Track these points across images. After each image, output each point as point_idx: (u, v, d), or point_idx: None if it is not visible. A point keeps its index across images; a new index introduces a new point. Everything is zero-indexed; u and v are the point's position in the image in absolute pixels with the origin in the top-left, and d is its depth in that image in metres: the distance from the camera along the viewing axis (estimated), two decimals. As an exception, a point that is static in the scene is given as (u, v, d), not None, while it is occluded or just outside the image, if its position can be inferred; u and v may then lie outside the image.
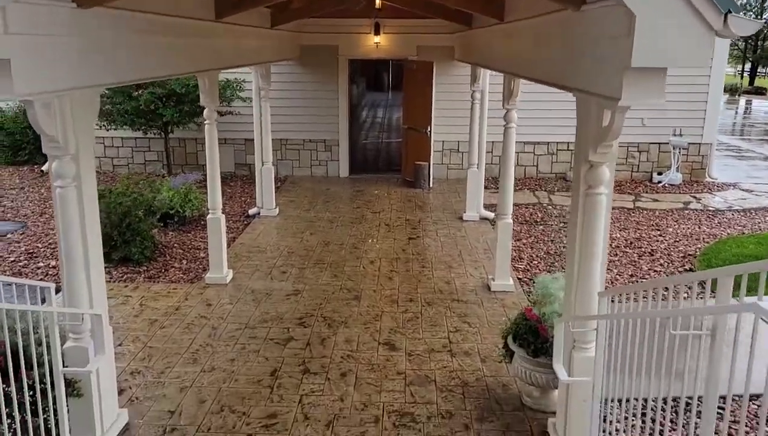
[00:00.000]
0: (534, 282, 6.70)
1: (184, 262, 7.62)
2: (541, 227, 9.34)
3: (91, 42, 3.59)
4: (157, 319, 6.01)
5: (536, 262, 7.82)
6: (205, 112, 6.57)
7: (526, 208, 10.34)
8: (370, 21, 11.54)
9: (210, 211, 6.80)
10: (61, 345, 3.65)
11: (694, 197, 11.25)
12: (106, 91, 10.09)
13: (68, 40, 3.38)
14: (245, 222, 9.35)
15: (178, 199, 8.61)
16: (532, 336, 4.37)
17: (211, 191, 6.73)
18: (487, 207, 9.89)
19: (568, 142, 12.22)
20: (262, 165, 9.58)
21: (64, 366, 3.63)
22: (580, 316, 3.70)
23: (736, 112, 31.45)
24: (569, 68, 3.77)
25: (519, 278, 7.20)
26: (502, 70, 6.32)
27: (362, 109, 25.11)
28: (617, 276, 7.34)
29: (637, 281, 7.16)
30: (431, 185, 11.60)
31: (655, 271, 7.57)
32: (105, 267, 7.43)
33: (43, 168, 12.22)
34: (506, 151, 6.63)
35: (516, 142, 12.01)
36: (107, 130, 10.60)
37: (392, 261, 7.69)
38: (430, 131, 11.31)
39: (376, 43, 11.66)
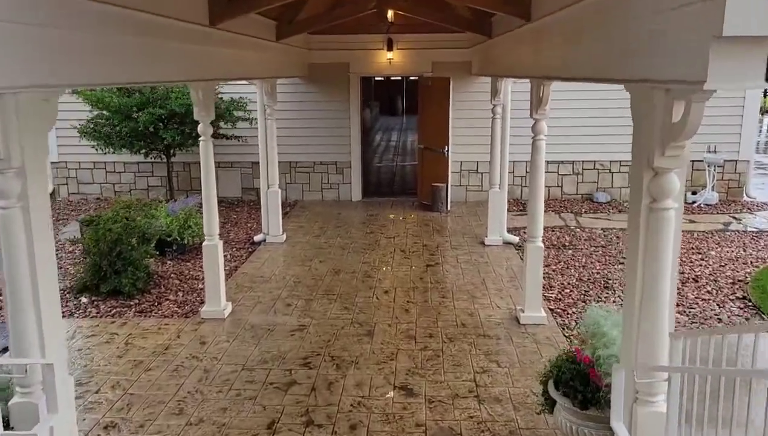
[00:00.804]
0: (580, 317, 5.95)
1: (180, 294, 6.95)
2: (570, 251, 8.57)
3: (48, 33, 2.96)
4: (143, 360, 5.31)
5: (568, 290, 7.05)
6: (199, 127, 5.96)
7: (553, 231, 9.57)
8: (383, 37, 10.98)
9: (206, 237, 6.14)
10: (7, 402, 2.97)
11: (734, 218, 10.42)
12: (105, 113, 9.58)
13: (14, 29, 2.75)
14: (249, 250, 8.68)
15: (176, 225, 7.98)
16: (580, 383, 3.61)
17: (207, 215, 6.08)
18: (510, 230, 9.15)
19: (594, 161, 11.48)
20: (268, 188, 8.95)
21: (6, 428, 2.95)
22: (650, 366, 2.93)
23: (760, 131, 30.46)
24: (618, 57, 3.08)
25: (551, 309, 6.43)
26: (530, 76, 5.64)
27: (376, 133, 24.57)
28: (661, 306, 6.54)
29: (684, 311, 6.35)
30: (449, 208, 10.90)
31: (702, 299, 6.76)
32: (92, 300, 6.93)
33: (42, 195, 11.68)
34: (535, 166, 5.92)
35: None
36: (105, 154, 10.03)
37: (409, 291, 6.96)
38: (448, 151, 10.64)
39: (389, 59, 11.08)
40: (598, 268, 7.82)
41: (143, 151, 9.99)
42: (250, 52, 6.83)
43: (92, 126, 9.62)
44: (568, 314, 6.34)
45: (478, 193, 11.64)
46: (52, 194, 11.87)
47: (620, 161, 11.50)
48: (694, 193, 11.35)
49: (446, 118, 10.54)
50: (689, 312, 6.36)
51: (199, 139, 5.97)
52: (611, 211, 10.92)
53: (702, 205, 11.12)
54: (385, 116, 31.10)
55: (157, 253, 7.81)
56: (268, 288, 7.08)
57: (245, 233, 9.52)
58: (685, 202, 11.24)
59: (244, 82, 9.06)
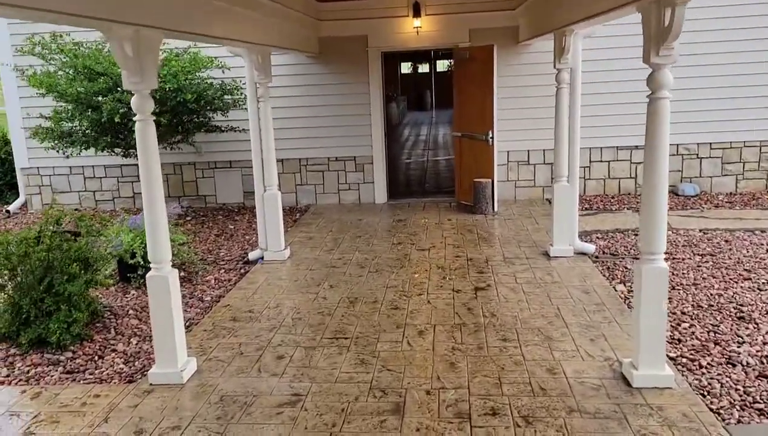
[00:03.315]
0: (724, 373, 3.69)
1: (134, 341, 4.97)
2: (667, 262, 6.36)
3: None
4: (34, 471, 3.33)
5: (686, 324, 4.85)
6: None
7: (636, 234, 7.38)
8: (407, 0, 8.92)
9: (152, 265, 4.15)
10: None
11: None
12: (63, 105, 7.70)
13: None
14: (241, 271, 6.69)
15: (140, 243, 6.02)
16: None
17: (151, 233, 4.08)
18: (583, 236, 7.00)
19: (677, 145, 9.20)
20: (265, 190, 6.95)
21: None
22: None
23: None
24: None
25: (671, 358, 4.27)
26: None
27: (404, 127, 22.55)
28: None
29: None
30: (496, 209, 8.76)
31: None
32: (8, 356, 4.55)
33: (9, 208, 9.91)
34: (653, 139, 3.78)
35: (606, 146, 9.15)
36: (66, 157, 8.11)
37: (453, 330, 4.87)
38: (492, 138, 8.51)
39: (416, 28, 9.00)
40: (716, 287, 5.61)
41: (116, 149, 8.10)
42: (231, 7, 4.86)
43: (49, 123, 7.74)
44: (701, 367, 4.17)
45: (530, 190, 9.49)
46: (24, 206, 10.08)
47: (710, 143, 9.22)
48: None
49: (490, 96, 8.41)
50: None
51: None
52: (704, 205, 8.64)
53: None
54: (413, 111, 29.13)
55: (113, 282, 5.88)
56: (255, 330, 5.06)
57: (240, 249, 7.54)
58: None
59: (227, 53, 7.05)
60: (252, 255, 7.01)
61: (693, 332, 4.70)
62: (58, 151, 7.96)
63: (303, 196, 9.77)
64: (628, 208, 8.63)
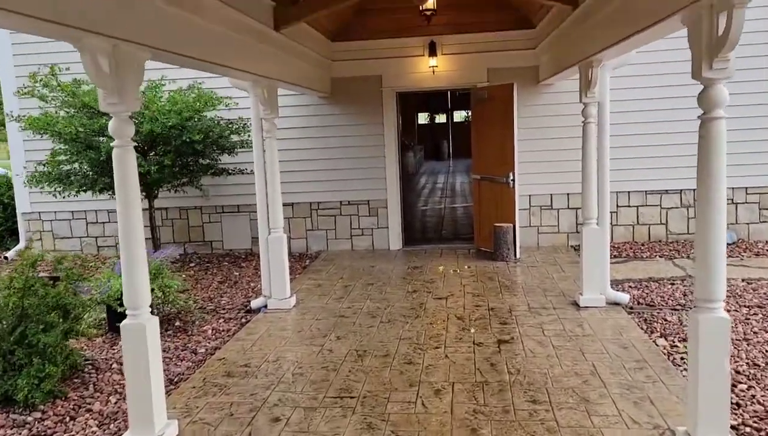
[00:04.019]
0: None
1: (113, 399, 4.42)
2: (711, 314, 5.72)
3: None
4: None
5: (744, 384, 4.20)
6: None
7: (672, 283, 6.75)
8: (423, 40, 8.61)
9: (128, 312, 3.64)
10: None
11: None
12: (60, 147, 7.37)
13: None
14: (242, 321, 6.15)
15: (131, 289, 5.52)
16: None
17: (127, 273, 3.59)
18: (614, 285, 6.40)
19: (710, 189, 8.62)
20: (270, 233, 6.49)
21: None
22: None
23: None
24: None
25: (733, 427, 3.62)
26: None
27: (421, 176, 22.21)
28: None
29: None
30: (518, 256, 8.19)
31: None
32: None
33: (8, 254, 9.52)
34: (709, 161, 3.24)
35: (634, 191, 8.59)
36: (63, 198, 7.71)
37: (474, 389, 4.26)
38: (514, 180, 8.01)
39: (432, 67, 8.66)
40: (775, 341, 4.96)
41: (110, 190, 7.72)
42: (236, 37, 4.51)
43: (45, 166, 7.39)
44: (771, 438, 3.51)
45: (553, 236, 8.92)
46: (25, 252, 9.66)
47: (746, 188, 8.62)
48: None
49: (511, 136, 7.96)
50: None
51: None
52: (743, 254, 8.00)
53: None
54: (430, 161, 28.85)
55: (97, 332, 5.38)
56: (250, 387, 4.48)
57: (244, 297, 7.02)
58: None
59: (236, 93, 6.69)
60: (254, 303, 6.49)
61: (753, 395, 4.04)
62: (55, 196, 7.56)
63: (313, 242, 9.29)
64: (660, 257, 8.01)
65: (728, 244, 8.37)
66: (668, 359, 4.69)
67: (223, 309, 6.56)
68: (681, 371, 4.44)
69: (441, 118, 32.75)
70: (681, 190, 8.68)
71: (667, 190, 8.69)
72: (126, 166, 3.49)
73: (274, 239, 6.42)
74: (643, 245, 8.66)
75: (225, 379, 4.64)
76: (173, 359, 5.15)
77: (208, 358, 5.14)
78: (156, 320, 3.68)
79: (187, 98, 7.39)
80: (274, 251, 6.40)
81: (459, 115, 31.46)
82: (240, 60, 5.06)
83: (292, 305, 6.44)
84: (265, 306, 6.42)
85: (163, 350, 5.30)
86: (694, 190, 8.58)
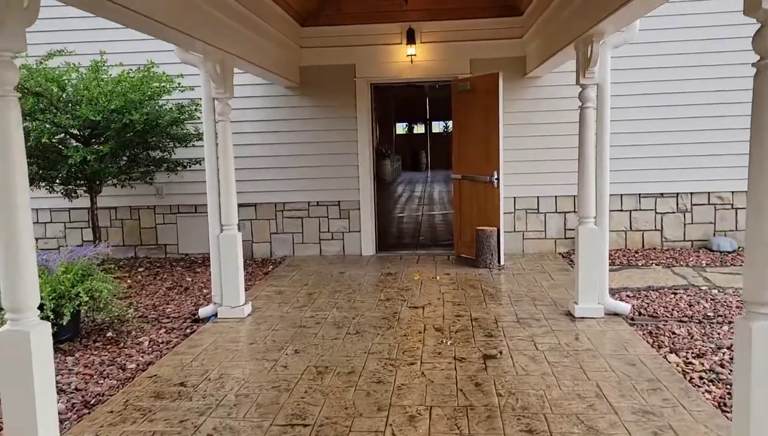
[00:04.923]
0: None
1: None
2: (723, 326, 5.04)
3: None
4: None
5: (777, 410, 3.48)
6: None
7: (674, 293, 6.06)
8: (401, 26, 7.90)
9: (8, 315, 2.79)
10: None
11: None
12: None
13: None
14: (186, 331, 5.30)
15: (50, 290, 4.67)
16: None
17: (6, 263, 2.74)
18: (614, 293, 5.68)
19: (708, 193, 8.00)
20: (221, 231, 5.67)
21: None
22: None
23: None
24: None
25: (781, 466, 2.87)
26: None
27: (398, 185, 21.53)
28: None
29: None
30: (502, 263, 7.44)
31: None
32: None
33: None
34: (766, 113, 2.53)
35: (627, 193, 7.99)
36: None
37: (456, 415, 3.47)
38: (498, 180, 7.30)
39: (410, 56, 7.94)
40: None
41: (45, 184, 6.86)
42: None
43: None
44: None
45: (540, 242, 8.21)
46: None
47: (747, 192, 7.99)
48: None
49: (495, 131, 7.25)
50: None
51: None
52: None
53: None
54: (408, 172, 28.21)
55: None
56: (181, 411, 3.64)
57: (193, 305, 6.16)
58: None
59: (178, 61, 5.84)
60: (203, 312, 5.64)
61: (798, 424, 3.31)
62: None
63: (278, 246, 8.45)
64: (656, 265, 7.33)
65: (728, 252, 7.75)
66: (685, 378, 3.96)
67: (167, 318, 5.70)
68: (703, 393, 3.71)
69: (419, 129, 32.22)
70: (677, 193, 8.03)
71: (662, 194, 8.03)
72: (7, 123, 2.66)
73: (226, 237, 5.60)
74: (636, 252, 7.98)
75: (152, 401, 3.79)
76: (94, 376, 4.29)
77: (138, 375, 4.28)
78: (47, 326, 2.83)
79: (134, 78, 6.56)
80: (227, 251, 5.58)
81: (438, 127, 30.93)
82: (189, 23, 4.28)
83: (246, 313, 5.60)
84: (215, 315, 5.58)
85: (86, 365, 4.45)
86: (692, 193, 8.02)
